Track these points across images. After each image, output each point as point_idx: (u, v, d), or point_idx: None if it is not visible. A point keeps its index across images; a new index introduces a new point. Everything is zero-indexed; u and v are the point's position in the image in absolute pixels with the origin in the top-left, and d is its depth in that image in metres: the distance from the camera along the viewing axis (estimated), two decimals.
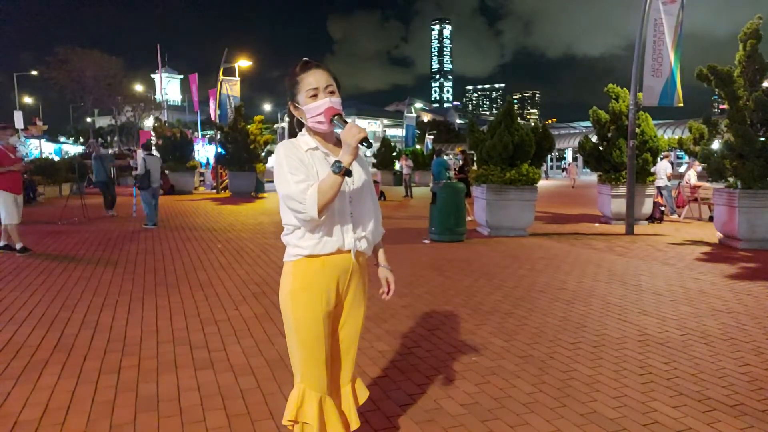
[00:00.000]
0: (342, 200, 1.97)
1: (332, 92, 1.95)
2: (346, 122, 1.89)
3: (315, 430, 1.97)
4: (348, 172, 1.82)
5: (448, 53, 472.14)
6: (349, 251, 2.01)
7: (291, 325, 2.01)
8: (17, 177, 7.78)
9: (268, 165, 24.06)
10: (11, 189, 7.65)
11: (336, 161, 1.81)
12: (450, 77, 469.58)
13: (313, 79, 1.93)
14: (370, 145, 1.84)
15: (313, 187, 1.84)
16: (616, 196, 11.58)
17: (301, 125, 2.04)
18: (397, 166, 32.38)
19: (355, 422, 2.15)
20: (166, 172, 20.88)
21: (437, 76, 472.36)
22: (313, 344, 1.98)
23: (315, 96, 1.93)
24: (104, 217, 12.92)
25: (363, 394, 2.24)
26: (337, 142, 2.04)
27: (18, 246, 7.80)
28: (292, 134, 2.11)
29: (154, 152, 12.06)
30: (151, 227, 10.80)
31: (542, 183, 15.78)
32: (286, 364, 3.68)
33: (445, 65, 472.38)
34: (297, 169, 1.89)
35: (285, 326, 2.06)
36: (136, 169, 11.09)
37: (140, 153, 11.03)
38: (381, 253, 2.28)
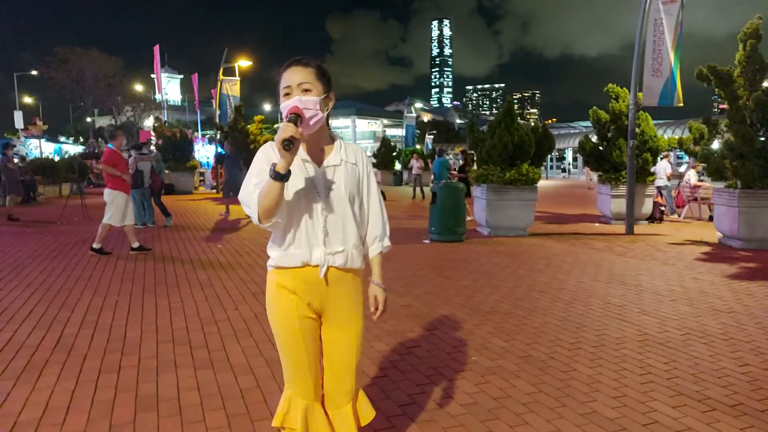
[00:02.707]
0: (312, 211, 1.87)
1: (306, 90, 1.81)
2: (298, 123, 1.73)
3: None
4: (279, 176, 1.67)
5: (448, 46, 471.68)
6: (318, 267, 1.89)
7: (274, 335, 2.00)
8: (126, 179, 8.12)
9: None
10: (126, 190, 7.91)
11: (272, 164, 1.69)
12: (449, 68, 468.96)
13: (288, 77, 1.83)
14: (288, 147, 1.65)
15: (257, 192, 1.77)
16: (616, 195, 11.58)
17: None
18: (397, 165, 32.39)
19: None
20: (166, 171, 20.84)
21: (437, 71, 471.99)
22: (293, 352, 1.94)
23: (288, 95, 1.83)
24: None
25: (367, 414, 2.10)
26: (323, 148, 1.94)
27: (96, 246, 7.83)
28: None
29: (147, 152, 11.99)
30: (140, 226, 10.87)
31: (542, 183, 15.78)
32: None
33: (444, 61, 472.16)
34: (261, 171, 1.82)
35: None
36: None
37: (132, 153, 11.04)
38: (375, 268, 2.10)
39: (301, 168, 1.87)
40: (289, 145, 1.65)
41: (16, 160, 13.96)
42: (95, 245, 7.78)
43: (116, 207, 7.71)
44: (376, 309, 2.08)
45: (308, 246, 1.88)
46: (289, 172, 1.69)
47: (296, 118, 1.73)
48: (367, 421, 2.09)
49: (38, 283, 6.10)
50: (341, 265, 1.92)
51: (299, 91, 1.81)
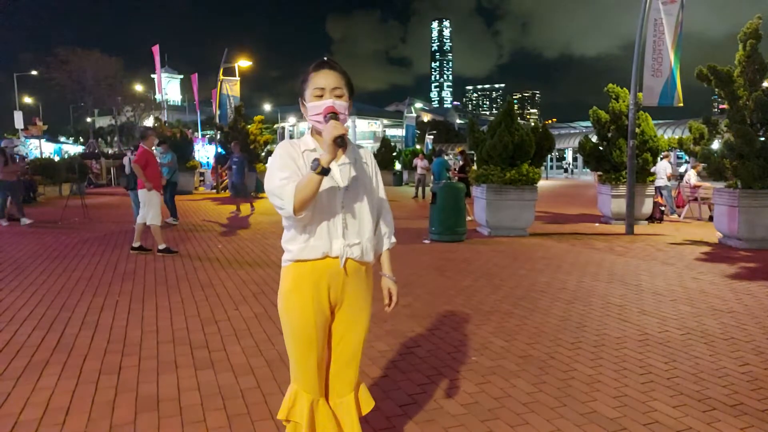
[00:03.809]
0: (332, 205, 1.95)
1: (339, 96, 1.93)
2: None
3: (305, 430, 1.98)
4: (324, 171, 1.76)
5: (448, 46, 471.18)
6: (337, 258, 1.96)
7: (285, 329, 2.03)
8: (159, 178, 8.20)
9: (269, 165, 24.01)
10: (159, 187, 7.99)
11: (314, 159, 1.79)
12: (449, 68, 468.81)
13: (323, 79, 1.93)
14: (342, 145, 1.78)
15: (292, 183, 1.84)
16: (616, 196, 11.58)
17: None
18: (397, 165, 32.36)
19: None
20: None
21: (437, 71, 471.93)
22: (304, 348, 1.98)
23: (320, 96, 1.92)
24: (105, 219, 12.88)
25: (368, 404, 2.17)
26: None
27: (161, 246, 7.85)
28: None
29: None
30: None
31: (542, 183, 15.80)
32: (286, 364, 3.66)
33: (444, 61, 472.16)
34: (286, 166, 1.90)
35: (282, 329, 2.07)
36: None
37: (127, 153, 11.17)
38: (386, 262, 2.21)
39: None
40: (342, 142, 1.78)
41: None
42: (160, 247, 7.83)
43: (154, 206, 7.77)
44: (390, 301, 2.16)
45: (329, 238, 1.95)
46: (329, 168, 1.79)
47: (335, 116, 1.85)
48: (368, 409, 2.17)
49: (38, 283, 6.10)
50: (358, 257, 2.01)
51: (332, 95, 1.92)
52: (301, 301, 1.97)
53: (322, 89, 1.92)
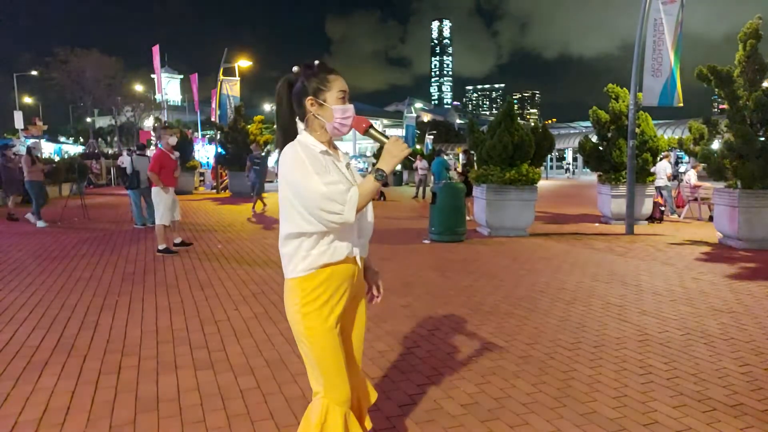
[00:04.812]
0: None
1: (348, 100, 2.00)
2: (384, 134, 1.95)
3: None
4: (386, 182, 1.84)
5: (448, 45, 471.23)
6: (355, 257, 2.02)
7: (306, 342, 1.94)
8: (174, 180, 8.06)
9: (269, 165, 23.99)
10: (172, 185, 7.89)
11: (379, 170, 1.85)
12: (449, 68, 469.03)
13: (342, 83, 1.97)
14: (412, 161, 1.88)
15: (354, 189, 1.83)
16: (616, 196, 11.58)
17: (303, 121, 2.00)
18: (397, 165, 32.33)
19: (367, 424, 2.21)
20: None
21: (436, 71, 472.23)
22: (331, 357, 1.92)
23: (344, 99, 1.96)
24: (106, 219, 12.88)
25: (372, 395, 2.25)
26: (335, 147, 2.07)
27: (161, 247, 7.81)
28: (291, 129, 2.01)
29: (149, 153, 12.06)
30: (140, 227, 10.85)
31: (542, 183, 15.79)
32: (286, 364, 3.68)
33: (444, 61, 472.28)
34: (324, 170, 1.85)
35: (299, 343, 1.99)
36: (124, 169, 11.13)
37: (125, 152, 11.15)
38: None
39: (336, 165, 1.97)
40: (413, 159, 1.82)
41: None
42: (160, 247, 7.79)
43: (165, 206, 7.75)
44: (374, 294, 2.26)
45: (349, 238, 1.98)
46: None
47: (373, 128, 1.98)
48: (372, 401, 2.24)
49: (38, 283, 6.10)
50: (365, 254, 2.10)
51: (347, 99, 1.99)
52: (322, 311, 1.92)
53: (345, 92, 1.97)
